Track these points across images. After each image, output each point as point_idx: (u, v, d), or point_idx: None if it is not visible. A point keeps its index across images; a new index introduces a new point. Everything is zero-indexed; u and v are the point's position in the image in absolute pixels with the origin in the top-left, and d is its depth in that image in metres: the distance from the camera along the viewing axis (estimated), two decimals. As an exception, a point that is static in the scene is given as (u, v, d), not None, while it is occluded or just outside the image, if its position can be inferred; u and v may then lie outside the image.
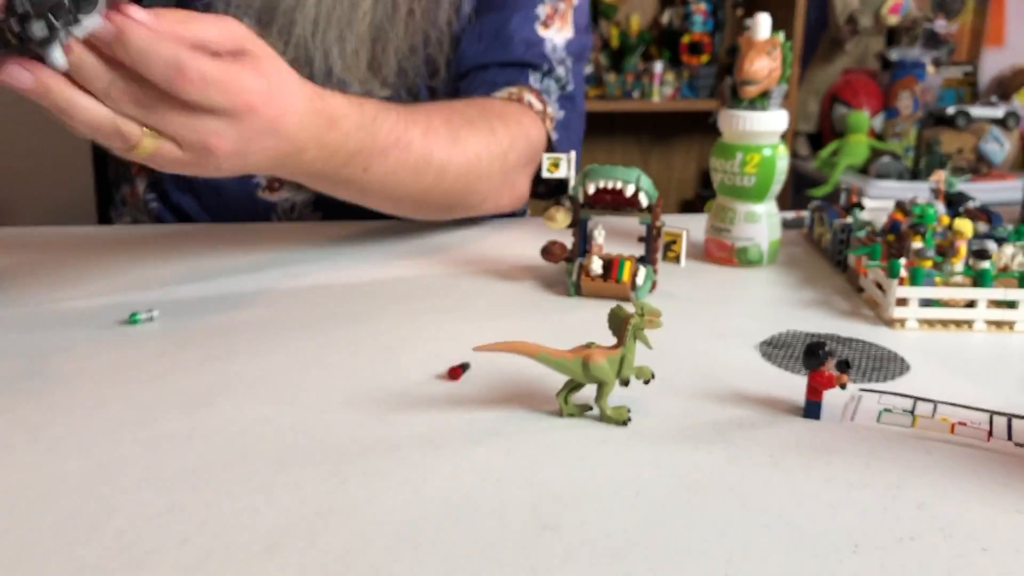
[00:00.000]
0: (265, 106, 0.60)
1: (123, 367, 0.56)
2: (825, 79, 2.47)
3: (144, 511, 0.40)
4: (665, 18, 2.54)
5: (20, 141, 2.14)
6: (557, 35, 1.00)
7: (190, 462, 0.44)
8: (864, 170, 2.18)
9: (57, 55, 0.52)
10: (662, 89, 2.42)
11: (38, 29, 0.51)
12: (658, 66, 2.41)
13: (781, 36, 0.78)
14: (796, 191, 2.35)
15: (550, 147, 0.97)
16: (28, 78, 0.52)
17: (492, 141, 0.86)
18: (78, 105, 0.54)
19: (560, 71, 0.99)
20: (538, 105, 0.96)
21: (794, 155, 2.42)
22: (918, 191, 2.08)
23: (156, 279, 0.75)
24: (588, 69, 2.45)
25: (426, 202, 0.84)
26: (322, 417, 0.49)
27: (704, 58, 2.46)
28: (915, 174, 2.13)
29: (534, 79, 0.97)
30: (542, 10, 0.99)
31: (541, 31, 0.98)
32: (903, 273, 0.66)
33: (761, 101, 0.78)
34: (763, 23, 0.78)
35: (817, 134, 2.46)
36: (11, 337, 0.61)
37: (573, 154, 0.73)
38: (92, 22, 0.52)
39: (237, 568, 0.36)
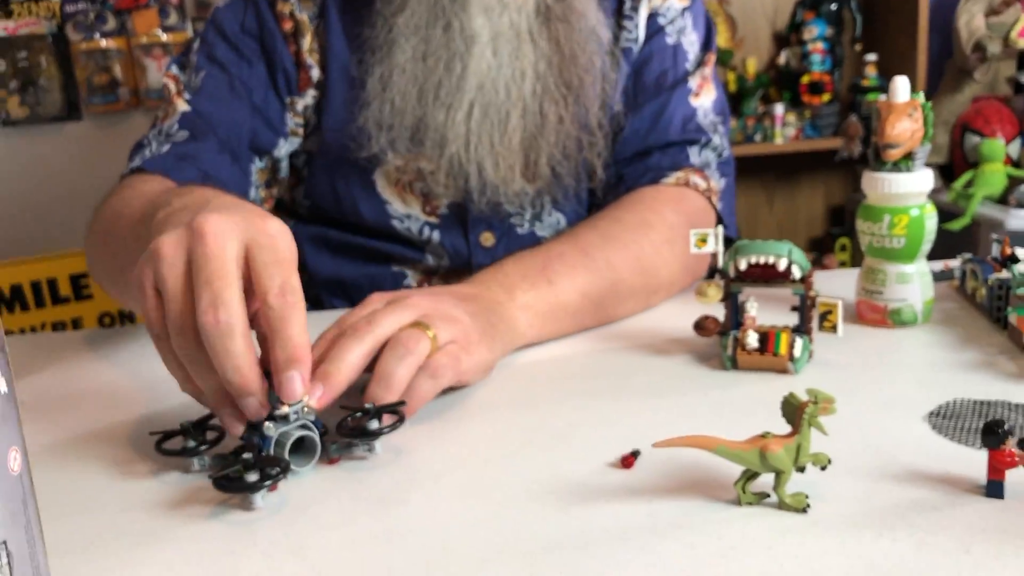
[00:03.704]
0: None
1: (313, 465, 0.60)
2: (954, 108, 2.40)
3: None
4: (782, 59, 2.53)
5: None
6: (705, 100, 1.02)
7: (396, 563, 0.47)
8: (1003, 200, 2.11)
9: (258, 499, 0.55)
10: (784, 130, 2.40)
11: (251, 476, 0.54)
12: (779, 108, 2.40)
13: (921, 97, 0.78)
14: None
15: (718, 217, 1.00)
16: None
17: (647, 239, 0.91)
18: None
19: (716, 140, 1.02)
20: (702, 184, 0.99)
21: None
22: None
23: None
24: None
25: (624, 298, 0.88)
26: (510, 511, 0.52)
27: (825, 97, 2.43)
28: (1058, 200, 2.05)
29: (694, 155, 1.00)
30: (694, 82, 1.02)
31: (694, 102, 1.01)
32: (1072, 333, 0.65)
33: (905, 163, 0.78)
34: (902, 86, 0.78)
35: (948, 165, 2.39)
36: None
37: (720, 229, 0.75)
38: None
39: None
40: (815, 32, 2.44)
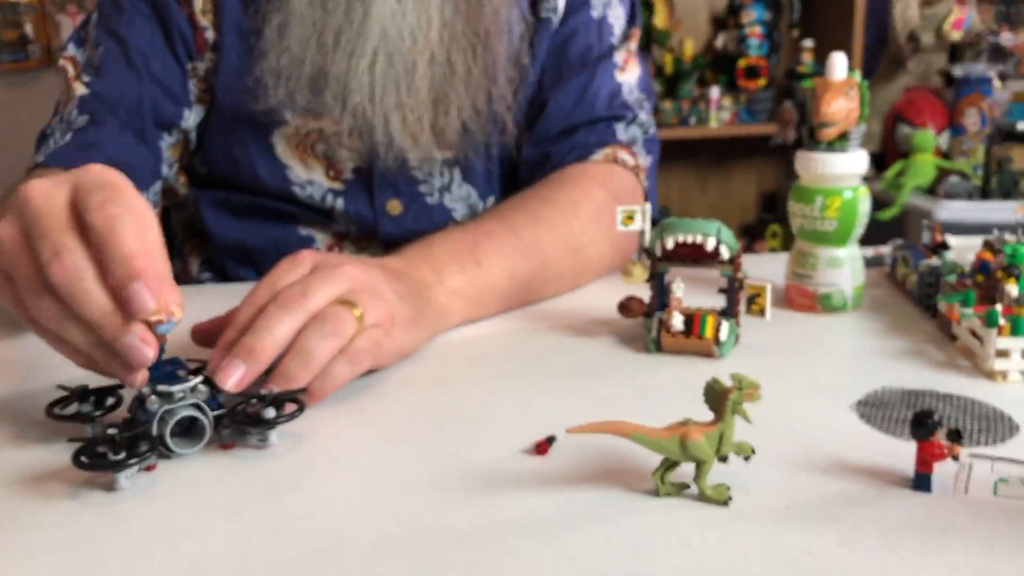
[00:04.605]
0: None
1: (205, 450, 0.55)
2: (887, 97, 2.42)
3: (239, 615, 0.39)
4: (719, 42, 2.52)
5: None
6: (631, 76, 1.00)
7: (282, 555, 0.43)
8: (932, 190, 2.13)
9: (122, 480, 0.50)
10: (719, 114, 2.39)
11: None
12: (715, 91, 2.39)
13: (858, 76, 0.76)
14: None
15: (645, 195, 0.97)
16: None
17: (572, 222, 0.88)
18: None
19: (642, 116, 0.99)
20: (630, 160, 0.96)
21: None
22: (990, 211, 2.03)
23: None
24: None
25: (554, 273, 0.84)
26: (412, 500, 0.48)
27: (761, 82, 2.43)
28: (985, 193, 2.07)
29: (621, 131, 0.97)
30: (619, 56, 0.99)
31: (619, 77, 0.98)
32: (1002, 322, 0.63)
33: (840, 143, 0.76)
34: (839, 64, 0.75)
35: (881, 154, 2.41)
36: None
37: (648, 206, 0.71)
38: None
39: None
40: (753, 16, 2.43)
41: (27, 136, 0.93)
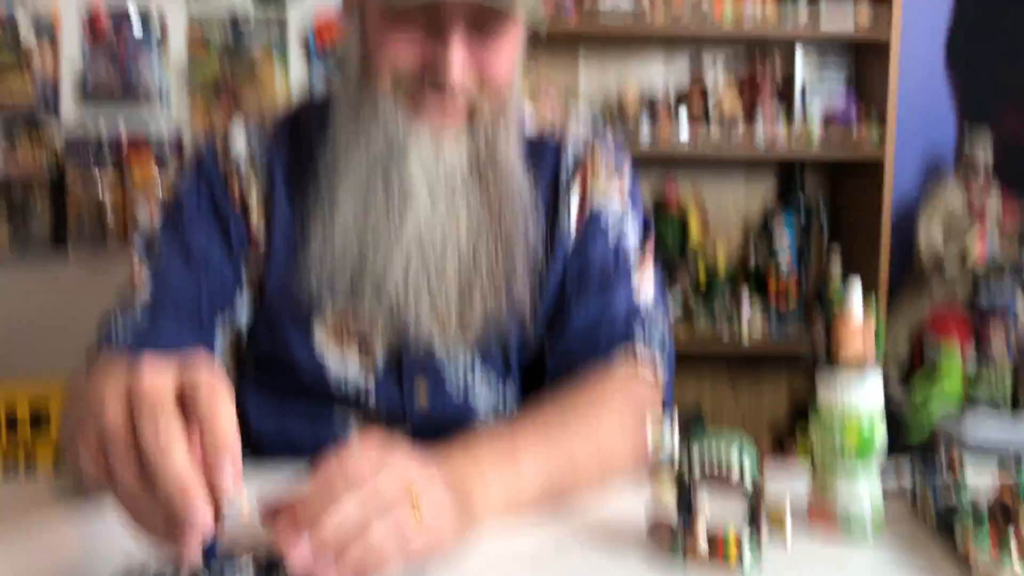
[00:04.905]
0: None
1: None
2: (913, 315, 2.49)
3: None
4: (752, 258, 2.62)
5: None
6: (647, 294, 1.09)
7: None
8: (959, 410, 2.15)
9: None
10: (751, 328, 2.47)
11: None
12: (746, 306, 2.48)
13: (874, 311, 0.82)
14: (889, 432, 2.32)
15: (663, 403, 1.04)
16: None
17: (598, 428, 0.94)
18: None
19: (658, 330, 1.07)
20: (649, 372, 1.04)
21: (885, 396, 2.40)
22: (1018, 432, 2.04)
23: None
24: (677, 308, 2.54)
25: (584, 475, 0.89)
26: None
27: (791, 299, 2.52)
28: (1013, 415, 2.09)
29: (639, 345, 1.05)
30: (635, 278, 1.09)
31: (636, 296, 1.07)
32: (1016, 557, 0.66)
33: (858, 374, 0.81)
34: (856, 299, 0.82)
35: (909, 371, 2.45)
36: None
37: (676, 426, 0.77)
38: None
39: None
40: (784, 236, 2.55)
41: (98, 312, 1.03)
